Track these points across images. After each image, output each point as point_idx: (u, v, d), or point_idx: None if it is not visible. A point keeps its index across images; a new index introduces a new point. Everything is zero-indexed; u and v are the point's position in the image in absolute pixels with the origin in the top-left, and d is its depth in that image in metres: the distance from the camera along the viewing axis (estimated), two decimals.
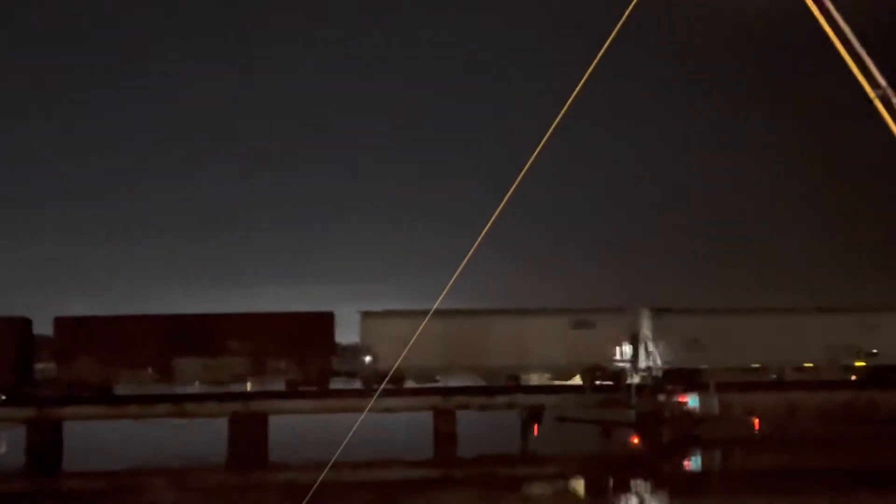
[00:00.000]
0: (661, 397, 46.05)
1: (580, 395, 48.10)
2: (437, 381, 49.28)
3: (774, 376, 50.58)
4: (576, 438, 49.63)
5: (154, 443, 45.31)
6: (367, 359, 48.48)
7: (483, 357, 48.42)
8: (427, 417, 47.96)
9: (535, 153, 9.26)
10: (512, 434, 49.21)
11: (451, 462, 43.54)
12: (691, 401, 45.01)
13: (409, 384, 48.29)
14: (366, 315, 49.50)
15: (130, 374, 47.13)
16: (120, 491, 36.44)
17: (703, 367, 49.10)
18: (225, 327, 47.70)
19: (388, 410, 45.36)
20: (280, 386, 48.83)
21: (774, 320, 50.26)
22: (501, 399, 47.78)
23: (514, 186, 9.38)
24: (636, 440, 47.21)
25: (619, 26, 8.74)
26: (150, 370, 47.10)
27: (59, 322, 47.78)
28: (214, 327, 47.78)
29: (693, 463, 44.79)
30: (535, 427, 49.61)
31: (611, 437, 49.35)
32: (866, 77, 8.60)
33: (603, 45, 8.89)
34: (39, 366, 49.67)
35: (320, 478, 12.43)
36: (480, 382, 49.53)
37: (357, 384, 48.70)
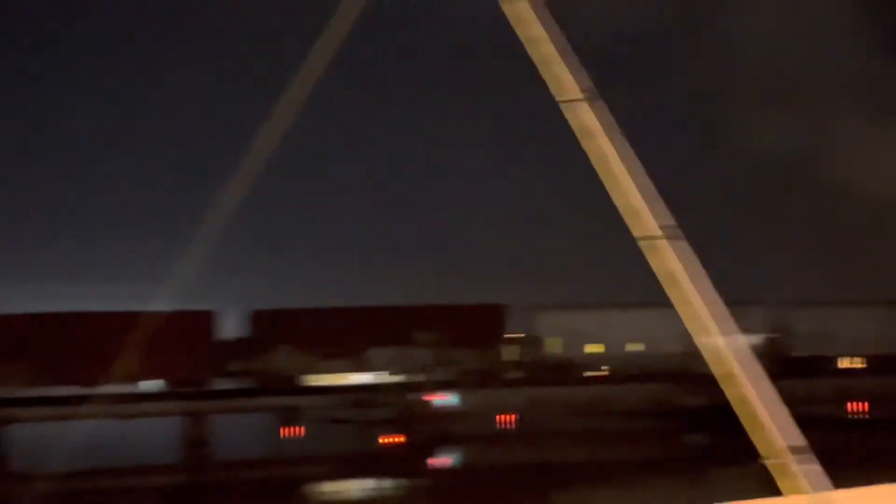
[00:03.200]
0: (411, 396, 47.55)
1: (337, 395, 48.75)
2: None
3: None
4: (333, 438, 50.24)
5: None
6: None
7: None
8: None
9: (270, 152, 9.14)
10: (269, 436, 49.19)
11: (203, 467, 42.96)
12: (437, 400, 46.80)
13: None
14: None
15: (325, 364, 48.23)
16: None
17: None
18: (414, 319, 49.32)
19: (140, 416, 44.20)
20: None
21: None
22: (259, 401, 47.62)
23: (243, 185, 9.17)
24: (393, 439, 48.43)
25: (351, 28, 8.45)
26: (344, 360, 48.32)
27: (256, 315, 48.37)
28: (404, 319, 49.24)
29: (439, 460, 46.55)
30: (294, 428, 49.73)
31: (368, 436, 50.35)
32: (556, 83, 8.61)
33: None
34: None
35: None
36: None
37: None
